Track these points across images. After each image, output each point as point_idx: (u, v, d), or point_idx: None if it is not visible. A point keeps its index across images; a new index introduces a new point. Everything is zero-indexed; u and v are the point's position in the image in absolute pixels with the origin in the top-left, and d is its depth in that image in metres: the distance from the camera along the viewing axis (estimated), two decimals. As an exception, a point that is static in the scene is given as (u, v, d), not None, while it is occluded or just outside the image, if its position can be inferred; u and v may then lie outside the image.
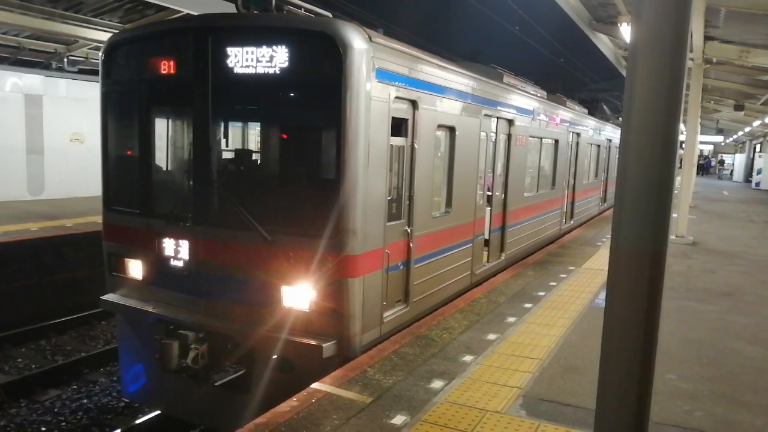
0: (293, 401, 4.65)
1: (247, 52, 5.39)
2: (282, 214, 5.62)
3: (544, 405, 4.79)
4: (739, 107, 23.63)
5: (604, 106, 26.30)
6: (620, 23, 12.36)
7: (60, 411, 7.65)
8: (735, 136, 50.92)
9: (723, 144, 56.20)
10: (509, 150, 9.60)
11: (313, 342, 5.33)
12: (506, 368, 5.52)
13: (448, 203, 7.50)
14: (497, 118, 8.94)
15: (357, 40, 5.19)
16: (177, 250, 5.97)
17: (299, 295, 5.44)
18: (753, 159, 44.84)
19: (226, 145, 6.12)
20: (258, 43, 5.35)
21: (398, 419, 4.43)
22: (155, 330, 6.02)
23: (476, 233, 8.44)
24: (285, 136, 6.13)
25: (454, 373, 5.37)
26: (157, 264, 6.13)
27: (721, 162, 58.41)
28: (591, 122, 16.74)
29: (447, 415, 4.52)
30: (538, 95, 11.42)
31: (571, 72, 37.37)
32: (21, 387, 8.07)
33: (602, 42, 16.87)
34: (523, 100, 10.14)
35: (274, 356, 5.55)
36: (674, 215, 12.73)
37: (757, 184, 38.10)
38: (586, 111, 16.83)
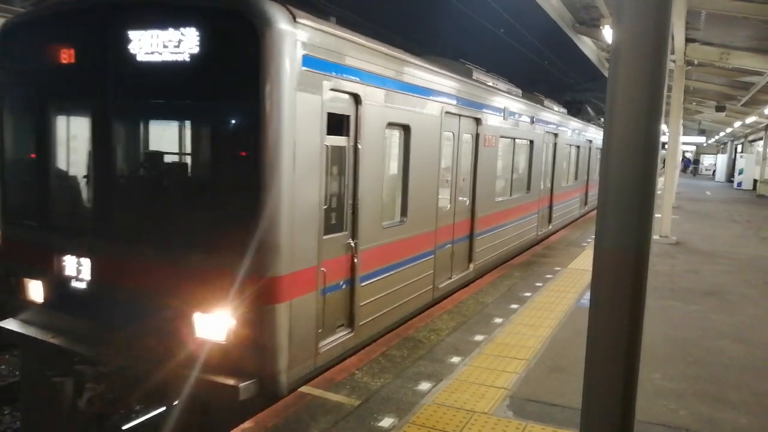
0: (280, 405, 4.62)
1: (151, 36, 4.66)
2: (194, 228, 4.79)
3: (531, 405, 4.81)
4: (720, 108, 24.05)
5: (588, 108, 26.54)
6: (602, 26, 12.55)
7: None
8: (717, 137, 51.70)
9: (705, 145, 57.24)
10: (476, 151, 8.85)
11: (228, 381, 4.51)
12: (493, 369, 5.54)
13: (404, 211, 6.72)
14: (462, 116, 8.18)
15: (277, 20, 4.40)
16: (78, 269, 5.23)
17: (214, 323, 4.64)
18: (734, 159, 45.50)
19: (131, 147, 5.39)
20: (163, 24, 4.61)
21: (386, 422, 4.43)
22: (57, 364, 5.21)
23: (438, 243, 7.70)
24: (197, 136, 5.34)
25: (441, 374, 5.38)
26: (57, 285, 5.36)
27: (696, 162, 63.21)
28: (571, 123, 16.23)
29: (435, 417, 4.53)
30: (512, 93, 10.78)
31: (555, 74, 37.68)
32: None
33: (585, 44, 17.09)
34: (492, 98, 9.44)
35: (185, 397, 4.71)
36: (658, 216, 12.86)
37: (739, 184, 38.63)
38: (566, 111, 16.62)
